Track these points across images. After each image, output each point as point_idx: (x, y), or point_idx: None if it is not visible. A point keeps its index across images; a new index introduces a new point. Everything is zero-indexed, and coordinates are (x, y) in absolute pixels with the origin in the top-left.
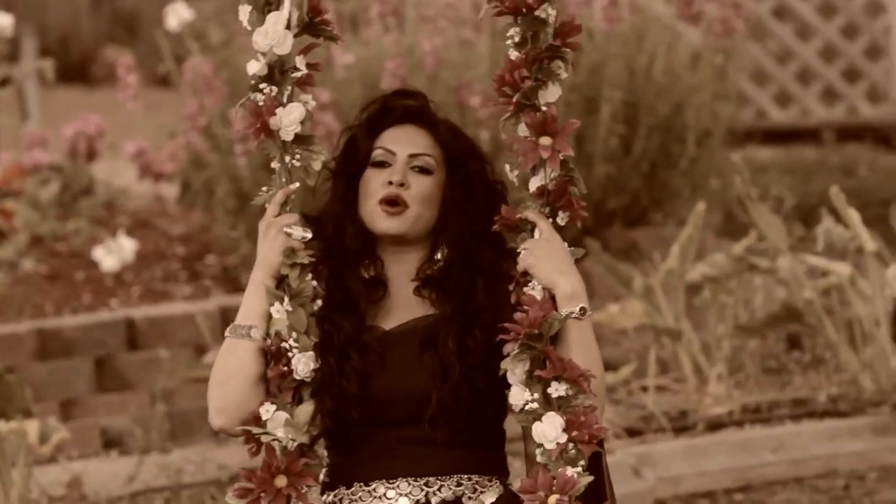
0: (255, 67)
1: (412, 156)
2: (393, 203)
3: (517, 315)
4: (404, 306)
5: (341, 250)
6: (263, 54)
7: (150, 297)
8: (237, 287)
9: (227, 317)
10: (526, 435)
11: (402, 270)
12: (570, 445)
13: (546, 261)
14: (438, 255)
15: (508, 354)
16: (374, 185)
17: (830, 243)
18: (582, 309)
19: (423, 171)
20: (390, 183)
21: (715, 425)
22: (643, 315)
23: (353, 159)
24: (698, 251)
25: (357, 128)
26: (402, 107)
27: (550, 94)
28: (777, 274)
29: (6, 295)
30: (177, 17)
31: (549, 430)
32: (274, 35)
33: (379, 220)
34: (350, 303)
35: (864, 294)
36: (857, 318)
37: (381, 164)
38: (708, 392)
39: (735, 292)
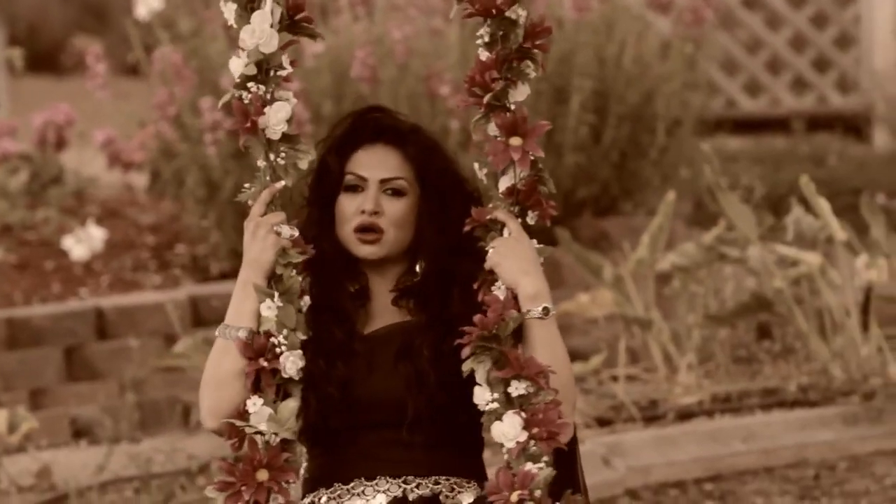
0: (240, 66)
1: (384, 181)
2: (368, 230)
3: (476, 316)
4: (383, 313)
5: (324, 264)
6: (244, 51)
7: (120, 287)
8: (207, 276)
9: (196, 306)
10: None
11: (382, 281)
12: (532, 443)
13: (511, 260)
14: (417, 268)
15: (466, 358)
16: (348, 211)
17: (800, 233)
18: (545, 309)
19: (396, 193)
20: (363, 211)
21: (685, 415)
22: (613, 304)
23: (326, 184)
24: (668, 240)
25: (326, 151)
26: (371, 127)
27: (519, 94)
28: (747, 263)
29: None
30: (146, 6)
31: (509, 430)
32: (261, 33)
33: (356, 247)
34: (340, 311)
35: (834, 283)
36: (827, 307)
37: (354, 189)
38: (678, 382)
39: (705, 282)
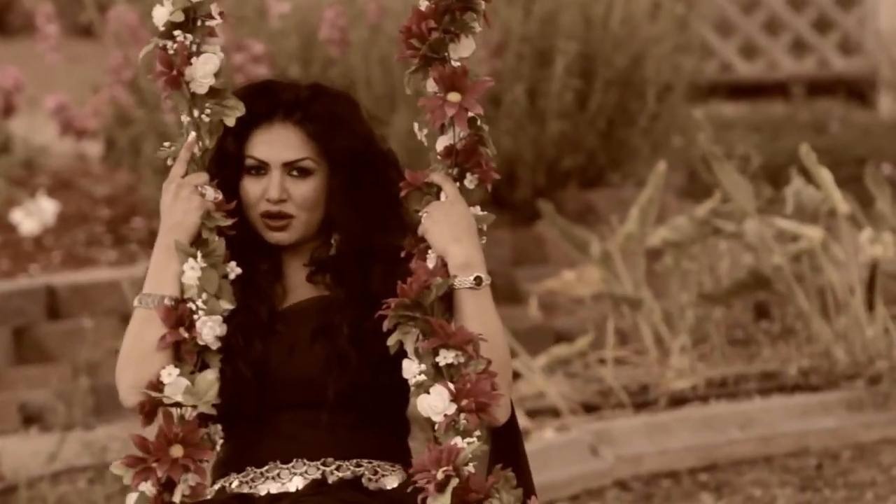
0: (165, 14)
1: (287, 164)
2: (276, 217)
3: (399, 286)
4: (298, 289)
5: (234, 244)
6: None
7: (73, 263)
8: None
9: None
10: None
11: (296, 257)
12: (462, 416)
13: (443, 226)
14: (332, 241)
15: (389, 330)
16: (253, 196)
17: (800, 205)
18: (477, 278)
19: (302, 172)
20: (269, 199)
21: (678, 400)
22: (600, 282)
23: (227, 167)
24: (659, 214)
25: (223, 133)
26: (266, 104)
27: (463, 49)
28: (744, 238)
29: None
30: None
31: (436, 402)
32: None
33: (265, 232)
34: (257, 287)
35: (837, 259)
36: (829, 285)
37: (257, 171)
38: (670, 365)
39: (699, 258)
